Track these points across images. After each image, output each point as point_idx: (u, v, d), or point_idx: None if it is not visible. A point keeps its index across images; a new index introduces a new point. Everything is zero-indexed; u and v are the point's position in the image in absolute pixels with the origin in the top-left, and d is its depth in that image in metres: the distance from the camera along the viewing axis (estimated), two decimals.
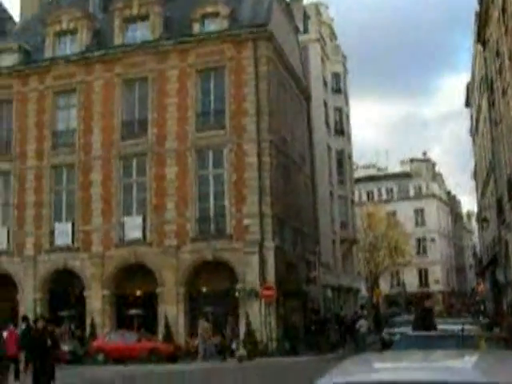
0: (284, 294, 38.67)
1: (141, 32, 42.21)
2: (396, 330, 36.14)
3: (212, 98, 40.21)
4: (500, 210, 38.14)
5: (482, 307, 67.23)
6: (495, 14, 33.42)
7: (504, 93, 32.19)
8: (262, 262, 37.25)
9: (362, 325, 40.24)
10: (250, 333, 36.23)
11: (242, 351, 34.18)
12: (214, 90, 40.20)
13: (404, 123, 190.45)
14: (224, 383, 25.10)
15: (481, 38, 40.32)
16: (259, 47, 39.71)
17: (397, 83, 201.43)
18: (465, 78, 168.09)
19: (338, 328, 43.12)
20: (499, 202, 38.33)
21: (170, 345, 35.89)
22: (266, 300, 36.63)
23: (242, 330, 36.65)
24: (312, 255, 47.34)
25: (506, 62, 30.01)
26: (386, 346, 33.97)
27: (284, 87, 44.19)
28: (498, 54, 33.69)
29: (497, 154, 38.93)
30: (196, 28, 40.95)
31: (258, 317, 36.84)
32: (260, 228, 37.66)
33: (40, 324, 18.30)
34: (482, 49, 41.70)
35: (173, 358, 34.45)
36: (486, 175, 48.06)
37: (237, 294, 37.74)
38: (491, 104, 39.62)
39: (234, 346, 35.24)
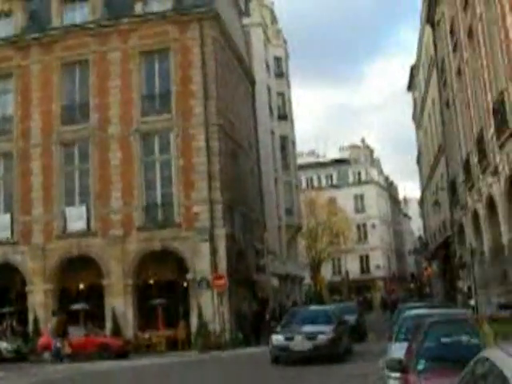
0: (235, 283, 37.47)
1: (80, 13, 40.15)
2: None
3: (157, 80, 38.52)
4: (453, 193, 37.58)
5: (429, 290, 67.47)
6: None
7: (459, 72, 31.45)
8: (213, 250, 35.92)
9: None
10: (202, 324, 34.93)
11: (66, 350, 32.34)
12: (158, 72, 38.46)
13: (338, 110, 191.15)
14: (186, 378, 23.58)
15: (430, 19, 39.84)
16: (204, 27, 38.15)
17: (331, 70, 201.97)
18: (394, 63, 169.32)
19: None
20: (452, 184, 37.77)
21: (120, 339, 34.29)
22: (217, 289, 35.30)
23: (194, 321, 35.34)
24: (260, 242, 46.28)
25: (464, 39, 29.21)
26: None
27: (230, 69, 42.80)
28: (451, 32, 32.94)
29: (448, 136, 38.32)
30: (138, 8, 39.12)
31: (210, 307, 35.53)
32: (210, 215, 36.27)
33: None
34: (430, 30, 41.15)
35: (123, 354, 32.87)
36: (434, 158, 47.61)
37: (185, 284, 36.42)
38: (442, 85, 39.01)
39: (58, 344, 32.53)
